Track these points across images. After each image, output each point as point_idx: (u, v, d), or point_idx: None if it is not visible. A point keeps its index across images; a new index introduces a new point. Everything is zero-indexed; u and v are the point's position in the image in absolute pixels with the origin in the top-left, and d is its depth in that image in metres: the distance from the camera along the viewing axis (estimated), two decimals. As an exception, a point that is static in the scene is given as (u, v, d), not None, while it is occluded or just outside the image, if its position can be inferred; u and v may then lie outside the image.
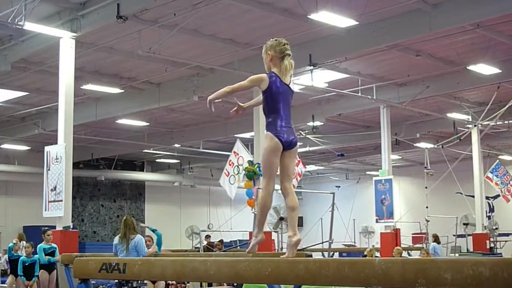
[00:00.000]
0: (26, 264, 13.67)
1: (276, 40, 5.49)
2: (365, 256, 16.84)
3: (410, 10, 13.96)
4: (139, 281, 10.80)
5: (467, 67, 17.39)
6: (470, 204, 23.60)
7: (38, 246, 13.52)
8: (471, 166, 23.64)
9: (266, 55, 5.53)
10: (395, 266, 3.92)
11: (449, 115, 22.47)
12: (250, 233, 15.14)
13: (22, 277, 13.62)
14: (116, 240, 10.11)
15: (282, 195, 5.52)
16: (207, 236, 22.80)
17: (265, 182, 5.50)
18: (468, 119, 22.47)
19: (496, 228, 24.34)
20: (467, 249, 25.10)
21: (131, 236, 9.84)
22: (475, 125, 22.76)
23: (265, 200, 5.50)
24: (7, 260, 15.54)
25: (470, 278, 3.54)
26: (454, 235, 24.33)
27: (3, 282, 19.37)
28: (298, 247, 5.57)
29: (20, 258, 13.91)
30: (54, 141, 14.80)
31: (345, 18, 13.43)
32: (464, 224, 25.01)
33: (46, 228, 13.90)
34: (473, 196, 23.73)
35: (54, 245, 13.38)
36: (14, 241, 14.91)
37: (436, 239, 20.02)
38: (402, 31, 14.48)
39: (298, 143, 5.58)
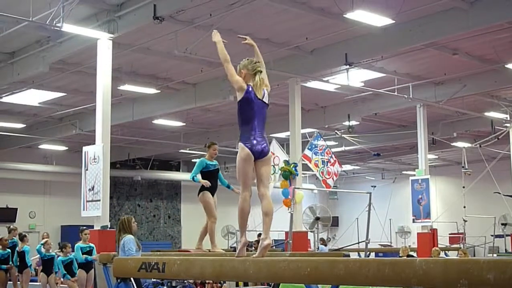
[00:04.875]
0: (65, 263, 13.89)
1: (248, 59, 6.23)
2: (401, 256, 16.72)
3: (447, 8, 13.81)
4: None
5: (505, 65, 17.19)
6: (508, 204, 23.31)
7: (76, 245, 13.67)
8: (509, 165, 23.32)
9: (240, 73, 6.14)
10: (436, 266, 3.90)
11: (486, 114, 22.19)
12: (286, 233, 15.11)
13: (67, 275, 13.88)
14: None
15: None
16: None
17: (241, 190, 6.12)
18: (506, 118, 22.19)
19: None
20: (506, 250, 24.85)
21: (121, 236, 9.45)
22: (513, 124, 22.52)
23: (242, 206, 6.14)
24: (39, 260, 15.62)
25: (514, 279, 3.51)
26: (492, 236, 24.10)
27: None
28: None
29: (59, 258, 14.11)
30: (91, 142, 14.93)
31: (381, 16, 13.30)
32: (502, 224, 24.78)
33: (84, 227, 14.05)
34: (511, 196, 23.44)
35: (92, 244, 13.51)
36: (43, 242, 15.01)
37: (324, 241, 19.86)
38: (439, 30, 14.32)
39: (270, 152, 6.01)
